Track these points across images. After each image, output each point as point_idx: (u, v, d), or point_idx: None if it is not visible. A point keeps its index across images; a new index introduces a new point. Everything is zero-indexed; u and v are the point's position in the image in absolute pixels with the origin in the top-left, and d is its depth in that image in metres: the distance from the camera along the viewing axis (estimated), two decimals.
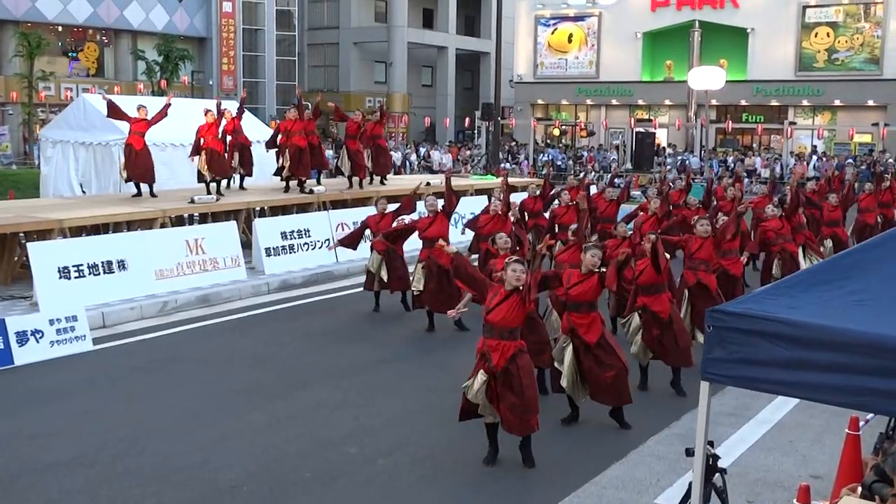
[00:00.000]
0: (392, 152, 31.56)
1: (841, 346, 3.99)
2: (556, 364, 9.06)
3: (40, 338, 11.21)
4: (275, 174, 19.13)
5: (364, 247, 16.94)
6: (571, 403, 9.12)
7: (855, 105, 43.77)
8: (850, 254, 4.89)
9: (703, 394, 4.53)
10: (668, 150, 45.27)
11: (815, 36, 44.32)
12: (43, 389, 10.12)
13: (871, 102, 43.13)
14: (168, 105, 17.45)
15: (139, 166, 17.11)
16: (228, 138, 18.13)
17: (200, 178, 17.76)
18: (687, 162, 40.25)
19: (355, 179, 20.11)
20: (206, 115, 17.70)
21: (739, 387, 4.53)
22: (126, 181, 17.46)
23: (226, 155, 18.01)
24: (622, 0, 49.88)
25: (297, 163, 18.40)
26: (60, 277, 13.13)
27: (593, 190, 21.12)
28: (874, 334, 3.95)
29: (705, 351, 4.43)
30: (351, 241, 14.62)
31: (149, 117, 17.09)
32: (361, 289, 14.66)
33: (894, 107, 42.20)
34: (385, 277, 13.94)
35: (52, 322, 11.38)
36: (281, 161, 18.58)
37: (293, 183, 19.03)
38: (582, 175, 22.47)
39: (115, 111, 17.19)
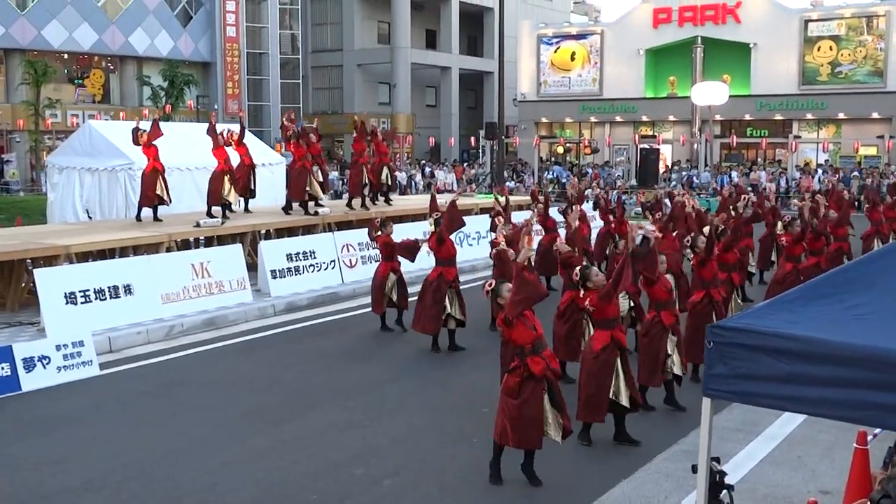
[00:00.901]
0: (397, 172, 31.77)
1: (842, 360, 3.98)
2: (620, 398, 8.92)
3: (47, 364, 11.23)
4: (299, 203, 19.09)
5: (368, 268, 17.02)
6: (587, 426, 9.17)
7: (859, 118, 43.75)
8: (850, 268, 4.89)
9: (705, 410, 4.52)
10: (675, 168, 45.30)
11: (818, 50, 44.38)
12: (50, 415, 10.13)
13: (875, 115, 43.11)
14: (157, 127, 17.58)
15: (167, 188, 17.35)
16: (237, 160, 18.26)
17: (220, 201, 17.76)
18: (695, 178, 40.27)
19: (356, 202, 20.24)
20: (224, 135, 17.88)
21: (741, 403, 4.53)
22: (157, 205, 17.45)
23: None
24: (624, 17, 50.07)
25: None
26: (67, 303, 13.17)
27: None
28: (875, 348, 3.94)
29: (706, 367, 4.42)
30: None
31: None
32: (367, 310, 14.68)
33: None
34: (395, 298, 14.04)
35: (58, 348, 11.40)
36: (305, 186, 18.63)
37: (295, 205, 19.13)
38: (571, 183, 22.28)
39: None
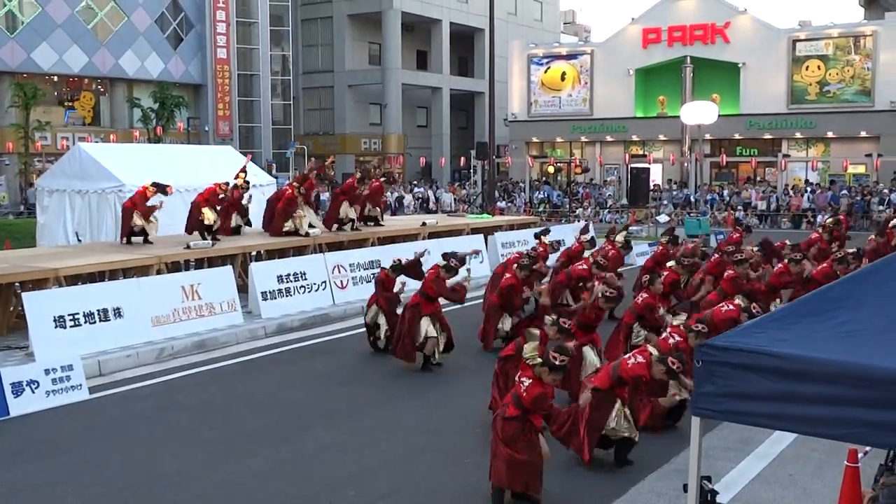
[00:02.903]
0: (388, 193, 31.85)
1: (830, 377, 3.98)
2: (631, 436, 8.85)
3: (36, 388, 11.14)
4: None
5: (359, 289, 17.02)
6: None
7: (848, 136, 44.09)
8: (838, 285, 4.89)
9: (694, 429, 4.51)
10: (666, 186, 45.42)
11: (807, 69, 44.72)
12: (40, 440, 10.05)
13: (863, 133, 43.44)
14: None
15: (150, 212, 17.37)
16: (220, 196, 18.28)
17: (199, 227, 17.79)
18: (692, 197, 40.39)
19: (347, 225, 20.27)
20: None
21: (730, 421, 4.52)
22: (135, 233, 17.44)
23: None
24: (614, 37, 50.41)
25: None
26: (56, 327, 13.08)
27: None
28: (863, 365, 3.94)
29: (695, 386, 4.41)
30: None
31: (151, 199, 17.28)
32: (359, 331, 14.67)
33: (887, 137, 42.51)
34: (381, 333, 14.01)
35: (47, 372, 11.31)
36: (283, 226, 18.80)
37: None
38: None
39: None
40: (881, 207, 36.25)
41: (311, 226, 19.28)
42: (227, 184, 18.18)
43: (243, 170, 19.25)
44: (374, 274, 18.32)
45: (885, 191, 38.32)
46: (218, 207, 18.02)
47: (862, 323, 4.35)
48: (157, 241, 17.59)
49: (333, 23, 58.80)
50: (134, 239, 17.35)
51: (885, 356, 4.01)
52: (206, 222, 17.63)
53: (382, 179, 20.96)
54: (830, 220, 20.01)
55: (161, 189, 17.21)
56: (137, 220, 17.10)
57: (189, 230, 17.86)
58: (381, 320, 13.93)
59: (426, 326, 12.82)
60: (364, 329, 14.45)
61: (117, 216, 18.55)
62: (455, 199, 43.99)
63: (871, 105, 43.28)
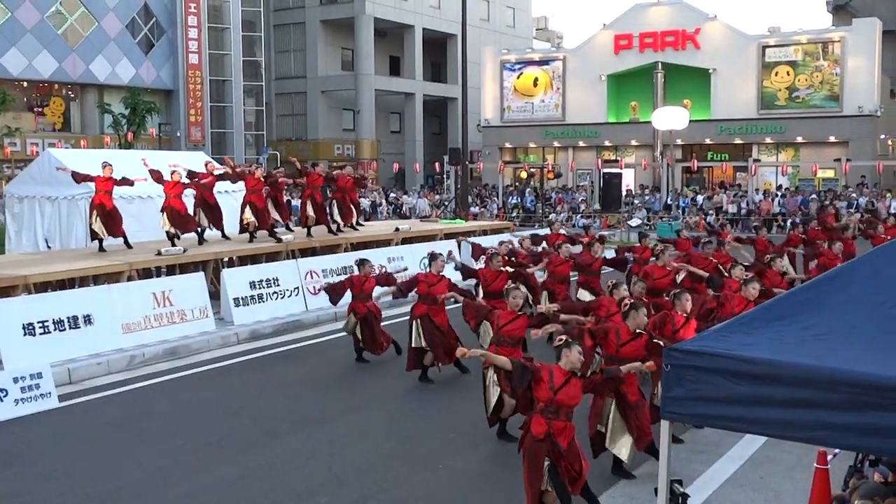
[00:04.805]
0: (361, 199, 31.87)
1: (797, 381, 4.02)
2: (599, 428, 8.54)
3: (4, 396, 11.02)
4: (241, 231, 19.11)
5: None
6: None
7: (817, 141, 44.54)
8: (805, 289, 4.94)
9: (663, 433, 4.53)
10: (638, 191, 45.64)
11: (776, 75, 45.13)
12: (8, 449, 9.94)
13: (832, 138, 43.90)
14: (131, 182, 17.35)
15: (116, 224, 17.04)
16: (193, 193, 18.02)
17: (168, 235, 17.60)
18: (670, 201, 40.61)
19: (319, 229, 20.16)
20: (172, 174, 17.55)
21: (699, 424, 4.55)
22: (100, 238, 17.13)
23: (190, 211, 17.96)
24: (586, 43, 50.63)
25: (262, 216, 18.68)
26: (25, 334, 12.96)
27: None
28: (829, 369, 3.99)
29: (664, 390, 4.44)
30: (333, 294, 14.20)
31: (115, 176, 16.92)
32: (331, 337, 14.61)
33: (855, 142, 43.02)
34: (361, 339, 13.79)
35: (16, 380, 11.20)
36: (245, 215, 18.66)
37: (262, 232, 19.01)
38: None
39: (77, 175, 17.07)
40: (850, 210, 36.64)
41: (273, 232, 19.19)
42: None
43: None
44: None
45: (854, 195, 38.76)
46: None
47: (829, 326, 4.40)
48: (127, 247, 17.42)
49: (306, 28, 58.64)
50: (105, 246, 17.17)
51: (850, 359, 4.06)
52: (164, 227, 17.48)
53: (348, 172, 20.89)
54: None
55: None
56: (95, 226, 16.86)
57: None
58: (359, 333, 13.81)
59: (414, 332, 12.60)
60: (339, 335, 14.35)
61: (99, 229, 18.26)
62: (429, 205, 44.02)
63: (840, 110, 43.75)
